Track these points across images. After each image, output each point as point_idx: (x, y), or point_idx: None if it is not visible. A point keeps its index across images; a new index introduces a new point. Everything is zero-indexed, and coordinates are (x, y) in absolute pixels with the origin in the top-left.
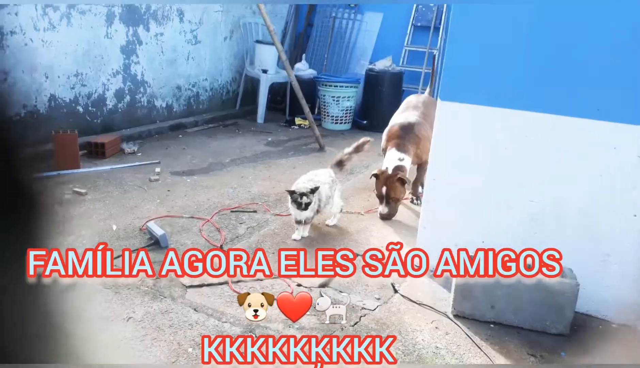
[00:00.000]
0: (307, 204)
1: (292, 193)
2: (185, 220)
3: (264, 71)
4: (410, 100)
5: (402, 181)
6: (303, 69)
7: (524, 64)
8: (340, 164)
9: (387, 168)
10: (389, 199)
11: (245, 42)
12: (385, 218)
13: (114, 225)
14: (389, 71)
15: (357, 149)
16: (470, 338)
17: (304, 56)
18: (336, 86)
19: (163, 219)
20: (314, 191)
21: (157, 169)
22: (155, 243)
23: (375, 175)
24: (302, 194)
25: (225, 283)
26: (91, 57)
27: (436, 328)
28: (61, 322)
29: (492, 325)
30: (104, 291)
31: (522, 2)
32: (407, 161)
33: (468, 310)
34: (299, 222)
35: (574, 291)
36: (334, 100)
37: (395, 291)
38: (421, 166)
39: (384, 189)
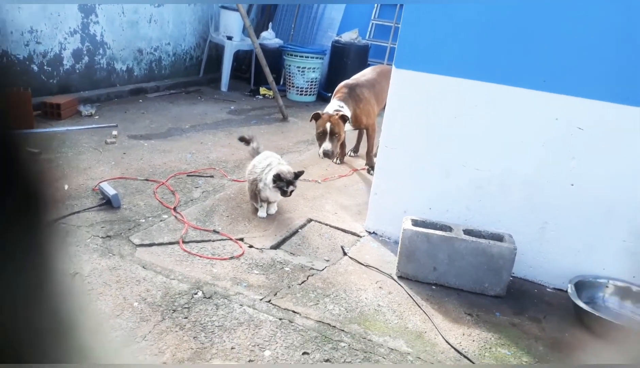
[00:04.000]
0: (292, 192)
1: (278, 178)
2: (139, 182)
3: (229, 38)
4: (368, 68)
5: (344, 118)
6: (269, 38)
7: (474, 35)
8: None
9: (327, 111)
10: (332, 136)
11: (209, 8)
12: (328, 155)
13: (65, 185)
14: (355, 43)
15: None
16: (412, 298)
17: (270, 24)
18: (302, 57)
19: (117, 181)
20: (297, 176)
21: (114, 132)
22: (107, 203)
23: (316, 115)
24: (288, 183)
25: (177, 242)
26: (47, 13)
27: (380, 288)
28: None
29: (434, 287)
30: None
31: None
32: (346, 110)
33: (411, 272)
34: (264, 200)
35: (512, 255)
36: (299, 71)
37: (345, 253)
38: (368, 134)
39: (327, 125)
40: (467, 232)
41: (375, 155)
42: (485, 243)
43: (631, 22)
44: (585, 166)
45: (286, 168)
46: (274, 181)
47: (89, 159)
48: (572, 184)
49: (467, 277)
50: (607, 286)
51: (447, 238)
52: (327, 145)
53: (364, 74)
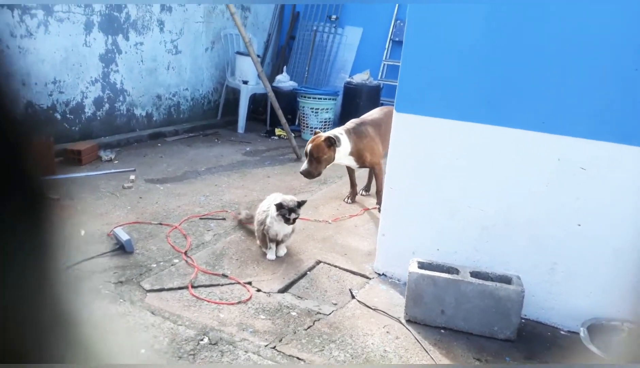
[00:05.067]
0: (295, 219)
1: (280, 207)
2: (153, 227)
3: (245, 82)
4: (375, 109)
5: (329, 140)
6: (284, 81)
7: (472, 79)
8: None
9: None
10: (312, 158)
11: (226, 53)
12: (305, 173)
13: (82, 230)
14: (367, 84)
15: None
16: (420, 343)
17: (285, 67)
18: (315, 98)
19: (132, 226)
20: (300, 205)
21: (132, 177)
22: (121, 248)
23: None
24: (290, 210)
25: (185, 287)
26: (69, 65)
27: (387, 332)
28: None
29: (442, 331)
30: None
31: (469, 20)
32: (344, 139)
33: (419, 315)
34: (273, 240)
35: (519, 298)
36: (312, 112)
37: (353, 297)
38: (375, 173)
39: (309, 146)
40: (474, 274)
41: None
42: (492, 286)
43: (630, 62)
44: (591, 206)
45: (289, 197)
46: (277, 209)
47: (106, 204)
48: (579, 225)
49: (475, 320)
50: (622, 329)
51: (454, 280)
52: (304, 165)
53: (371, 114)
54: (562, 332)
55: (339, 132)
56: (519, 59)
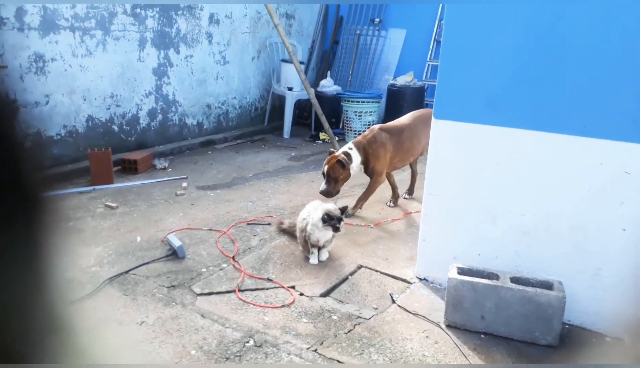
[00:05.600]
0: (340, 227)
1: (329, 217)
2: (204, 232)
3: (290, 89)
4: (410, 113)
5: (341, 164)
6: (328, 85)
7: (512, 83)
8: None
9: (338, 153)
10: (329, 178)
11: (271, 62)
12: (324, 194)
13: (138, 237)
14: (411, 85)
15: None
16: (458, 348)
17: (329, 72)
18: (358, 102)
19: (184, 232)
20: (343, 211)
21: (184, 184)
22: (174, 254)
23: (330, 153)
24: (339, 219)
25: (233, 291)
26: (125, 79)
27: (426, 337)
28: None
29: (482, 336)
30: (123, 298)
31: (511, 23)
32: (355, 152)
33: (459, 321)
34: (315, 246)
35: (561, 304)
36: (356, 115)
37: (393, 301)
38: (371, 179)
39: (325, 167)
40: (515, 280)
41: (361, 206)
42: (532, 292)
43: None
44: (636, 210)
45: (331, 206)
46: (324, 221)
47: (160, 211)
48: (624, 230)
49: (516, 326)
50: None
51: (493, 286)
52: (322, 186)
53: (400, 119)
54: (607, 339)
55: (349, 146)
56: (559, 63)
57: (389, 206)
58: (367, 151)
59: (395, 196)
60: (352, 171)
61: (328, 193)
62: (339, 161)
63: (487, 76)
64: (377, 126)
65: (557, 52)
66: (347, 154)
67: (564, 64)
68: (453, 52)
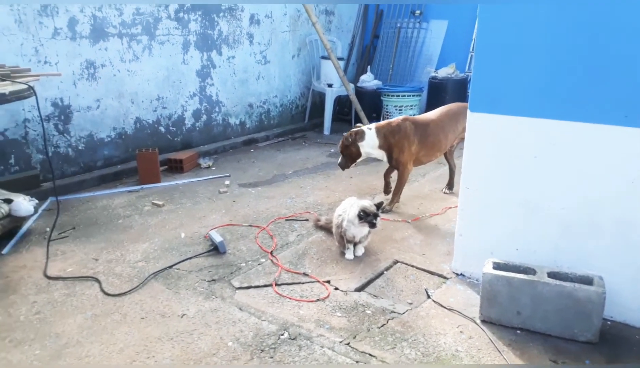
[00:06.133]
0: (376, 223)
1: (366, 214)
2: (244, 228)
3: (329, 85)
4: (444, 106)
5: (347, 139)
6: (368, 80)
7: (549, 74)
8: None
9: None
10: (342, 152)
11: (311, 59)
12: (340, 166)
13: (182, 233)
14: (452, 77)
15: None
16: (493, 343)
17: (369, 67)
18: (398, 96)
19: (225, 228)
20: (379, 207)
21: (227, 182)
22: (215, 249)
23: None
24: (375, 215)
25: (270, 285)
26: (170, 82)
27: (461, 332)
28: None
29: (518, 331)
30: (166, 292)
31: (550, 11)
32: (372, 133)
33: (495, 316)
34: (350, 242)
35: (600, 299)
36: (396, 109)
37: (428, 296)
38: (398, 173)
39: (340, 142)
40: (552, 275)
41: (397, 200)
42: (570, 287)
43: None
44: None
45: (367, 202)
46: (361, 217)
47: (204, 208)
48: None
49: (553, 322)
50: None
51: (529, 281)
52: (339, 159)
53: (430, 113)
54: None
55: (369, 127)
56: (598, 52)
57: (444, 192)
58: (389, 141)
59: (449, 183)
60: (362, 150)
61: (340, 166)
62: (346, 136)
63: (524, 67)
64: (404, 116)
65: (597, 41)
66: (360, 132)
67: (603, 54)
68: (489, 43)
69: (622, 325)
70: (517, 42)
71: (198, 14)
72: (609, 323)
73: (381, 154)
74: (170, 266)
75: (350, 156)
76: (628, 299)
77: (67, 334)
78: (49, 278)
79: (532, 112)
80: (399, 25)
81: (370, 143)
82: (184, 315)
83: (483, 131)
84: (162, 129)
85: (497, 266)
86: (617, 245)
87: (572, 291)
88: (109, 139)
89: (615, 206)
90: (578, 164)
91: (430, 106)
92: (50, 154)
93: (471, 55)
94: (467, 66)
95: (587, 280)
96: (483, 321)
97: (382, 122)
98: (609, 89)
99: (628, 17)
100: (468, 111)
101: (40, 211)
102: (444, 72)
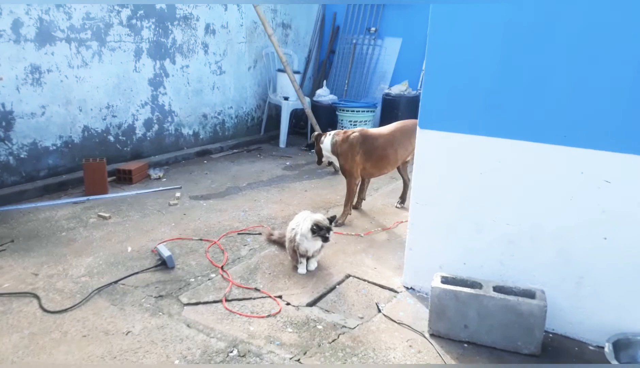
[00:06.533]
0: (329, 237)
1: (319, 228)
2: (194, 242)
3: (286, 98)
4: (395, 123)
5: (315, 138)
6: (324, 94)
7: (494, 93)
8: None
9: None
10: (315, 148)
11: (268, 71)
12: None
13: (129, 247)
14: (405, 94)
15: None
16: (441, 357)
17: (325, 82)
18: (353, 111)
19: (174, 242)
20: (332, 221)
21: (177, 194)
22: (163, 264)
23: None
24: (328, 229)
25: (220, 301)
26: (121, 90)
27: (410, 346)
28: None
29: (465, 345)
30: (110, 308)
31: (493, 33)
32: (329, 138)
33: (443, 330)
34: (303, 256)
35: (542, 312)
36: (351, 124)
37: (379, 310)
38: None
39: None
40: (498, 289)
41: (349, 211)
42: (514, 301)
43: None
44: (616, 219)
45: (320, 216)
46: (314, 232)
47: (153, 221)
48: (605, 238)
49: (498, 335)
50: None
51: (475, 295)
52: None
53: (384, 127)
54: (590, 347)
55: (330, 132)
56: (540, 73)
57: (397, 207)
58: (337, 149)
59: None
60: (323, 150)
61: (317, 161)
62: (316, 135)
63: (470, 86)
64: (360, 128)
65: (538, 62)
66: (321, 135)
67: (545, 75)
68: (436, 63)
69: (563, 338)
70: (463, 62)
71: (152, 22)
72: (550, 335)
73: (334, 159)
74: (116, 282)
75: (319, 153)
76: (568, 312)
77: (1, 354)
78: None
79: (478, 130)
80: (354, 41)
81: (326, 146)
82: (129, 332)
83: (432, 148)
84: (112, 138)
85: (445, 280)
86: (557, 259)
87: (516, 305)
88: (54, 147)
89: (554, 223)
90: (521, 181)
91: (383, 121)
92: None
93: (423, 73)
94: (420, 83)
95: (530, 294)
96: (432, 335)
97: (341, 131)
98: (549, 109)
99: (567, 40)
100: (417, 127)
101: None
102: (397, 89)
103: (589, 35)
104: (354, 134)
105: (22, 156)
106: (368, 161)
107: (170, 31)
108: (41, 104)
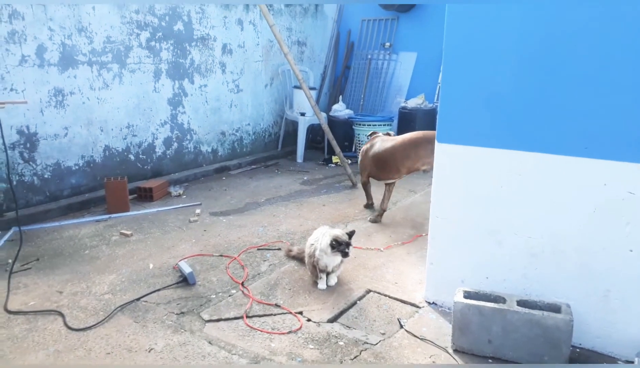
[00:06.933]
0: (348, 252)
1: (338, 243)
2: (215, 258)
3: (302, 114)
4: (410, 133)
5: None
6: (340, 109)
7: (513, 106)
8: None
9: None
10: None
11: (284, 88)
12: None
13: (150, 264)
14: (422, 107)
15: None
16: None
17: (341, 97)
18: (369, 125)
19: (195, 258)
20: (351, 236)
21: (198, 211)
22: (184, 281)
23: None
24: (347, 244)
25: (241, 317)
26: (141, 110)
27: (433, 362)
28: None
29: (490, 360)
30: (133, 325)
31: (511, 47)
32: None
33: (467, 345)
34: (323, 271)
35: (568, 327)
36: (368, 138)
37: (401, 326)
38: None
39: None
40: (522, 303)
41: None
42: (539, 315)
43: None
44: None
45: (339, 231)
46: (333, 247)
47: (174, 238)
48: (631, 250)
49: (524, 350)
50: None
51: (499, 310)
52: None
53: (398, 136)
54: (619, 362)
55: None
56: (559, 86)
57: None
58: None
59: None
60: None
61: None
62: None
63: (489, 99)
64: (381, 134)
65: (557, 73)
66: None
67: (565, 86)
68: (454, 77)
69: (590, 352)
70: (480, 74)
71: (170, 43)
72: (577, 350)
73: None
74: (138, 299)
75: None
76: (595, 326)
77: None
78: (10, 312)
79: (497, 143)
80: (369, 56)
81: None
82: (151, 349)
83: (451, 162)
84: (132, 157)
85: (468, 295)
86: (582, 272)
87: (541, 320)
88: (77, 167)
89: (577, 236)
90: (542, 194)
91: (400, 134)
92: (14, 182)
93: (439, 86)
94: (436, 96)
95: (555, 308)
96: (455, 350)
97: (380, 135)
98: (569, 121)
99: (588, 50)
100: (436, 141)
101: (2, 242)
102: (414, 103)
103: (610, 46)
104: (373, 139)
105: (46, 176)
106: (374, 164)
107: (188, 52)
108: (64, 125)
